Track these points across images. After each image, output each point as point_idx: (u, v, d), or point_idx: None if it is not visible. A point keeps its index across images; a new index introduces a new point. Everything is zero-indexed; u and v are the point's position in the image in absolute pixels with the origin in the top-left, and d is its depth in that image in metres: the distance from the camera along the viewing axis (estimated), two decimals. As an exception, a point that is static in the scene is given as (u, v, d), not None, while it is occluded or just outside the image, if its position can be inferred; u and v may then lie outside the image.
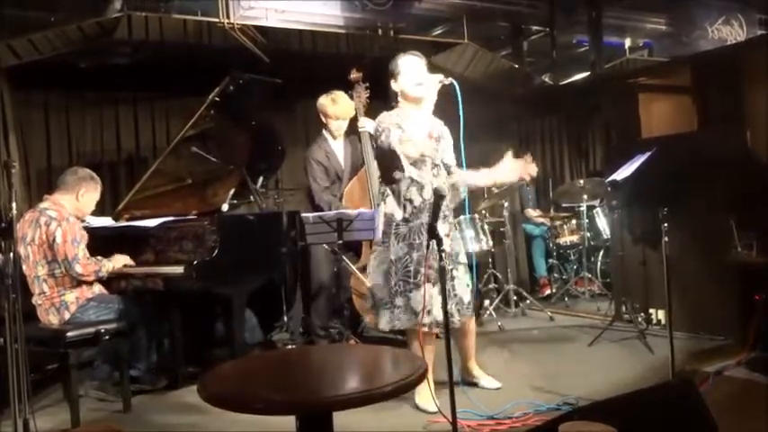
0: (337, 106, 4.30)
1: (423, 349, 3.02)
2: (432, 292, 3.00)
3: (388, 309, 3.15)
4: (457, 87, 2.99)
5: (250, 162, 4.12)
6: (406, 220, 3.11)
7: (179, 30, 4.51)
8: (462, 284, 3.18)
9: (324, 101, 4.35)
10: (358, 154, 4.43)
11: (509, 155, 3.20)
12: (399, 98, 3.19)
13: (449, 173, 3.21)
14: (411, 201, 3.11)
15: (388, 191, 3.18)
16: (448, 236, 3.13)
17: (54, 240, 3.41)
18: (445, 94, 3.09)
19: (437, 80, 3.05)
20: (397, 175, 3.10)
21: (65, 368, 3.23)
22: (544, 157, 7.40)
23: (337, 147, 4.41)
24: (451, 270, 3.11)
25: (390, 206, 3.15)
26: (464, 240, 4.59)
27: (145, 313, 3.69)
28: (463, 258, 3.24)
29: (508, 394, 3.34)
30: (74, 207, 3.58)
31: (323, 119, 4.39)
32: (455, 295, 3.13)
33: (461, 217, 4.78)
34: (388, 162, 3.12)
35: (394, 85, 3.18)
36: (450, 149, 3.23)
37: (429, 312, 3.02)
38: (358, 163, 4.42)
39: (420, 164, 3.10)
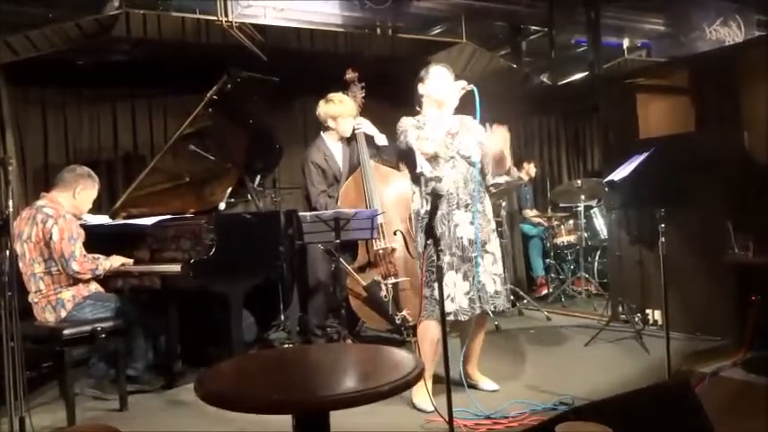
0: (344, 105, 4.27)
1: (421, 349, 3.04)
2: (455, 280, 3.14)
3: (422, 300, 3.24)
4: (476, 94, 3.11)
5: (247, 161, 4.11)
6: (428, 213, 3.17)
7: (177, 27, 4.50)
8: (487, 273, 3.23)
9: (331, 106, 4.26)
10: (357, 156, 4.41)
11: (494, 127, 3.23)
12: (423, 100, 3.33)
13: (470, 164, 3.25)
14: (430, 195, 3.17)
15: (415, 188, 3.30)
16: (471, 224, 3.20)
17: (50, 238, 3.41)
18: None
19: (459, 86, 3.18)
20: (419, 171, 3.22)
21: (61, 366, 3.23)
22: (542, 157, 7.41)
23: (336, 149, 4.38)
24: (476, 258, 3.19)
25: (417, 202, 3.29)
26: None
27: (142, 312, 3.69)
28: (491, 248, 3.27)
29: (505, 394, 3.34)
30: (71, 205, 3.58)
31: (332, 123, 4.30)
32: (479, 282, 3.19)
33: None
34: (410, 161, 3.25)
35: (421, 88, 3.32)
36: (472, 142, 3.27)
37: (453, 300, 3.12)
38: (356, 165, 4.41)
39: (434, 161, 3.20)
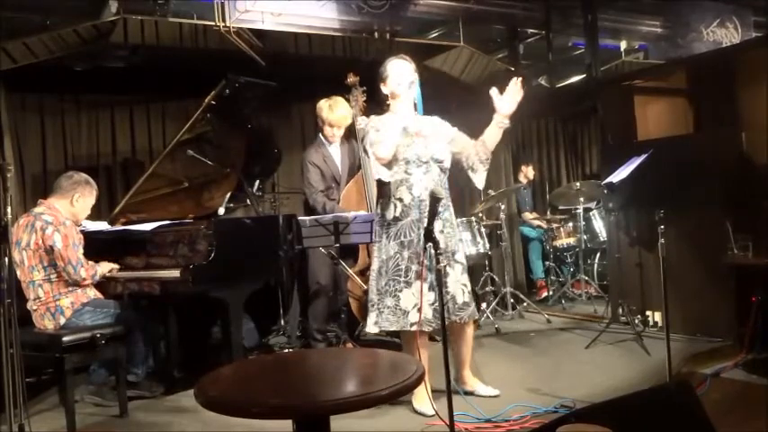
0: (333, 114, 4.27)
1: (419, 350, 3.03)
2: (423, 290, 3.03)
3: (375, 310, 3.17)
4: (417, 85, 3.14)
5: (246, 165, 4.11)
6: (396, 219, 3.14)
7: (175, 33, 4.50)
8: (457, 283, 3.16)
9: (322, 105, 4.32)
10: (355, 157, 4.42)
11: (514, 81, 3.08)
12: (389, 100, 3.25)
13: (442, 170, 3.18)
14: (401, 199, 3.14)
15: (381, 192, 3.22)
16: (442, 232, 3.13)
17: (53, 245, 3.40)
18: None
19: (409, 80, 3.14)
20: (375, 178, 3.16)
21: (60, 373, 3.22)
22: (540, 159, 7.42)
23: (334, 150, 4.40)
24: (444, 267, 3.08)
25: (382, 206, 3.20)
26: (462, 243, 4.52)
27: (141, 317, 3.68)
28: (460, 258, 3.21)
29: (506, 397, 3.34)
30: (68, 212, 3.56)
31: (319, 122, 4.37)
32: (447, 292, 3.11)
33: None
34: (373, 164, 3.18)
35: (383, 89, 3.24)
36: (441, 145, 3.19)
37: (419, 310, 3.04)
38: (355, 166, 4.42)
39: (394, 164, 3.11)
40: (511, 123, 3.16)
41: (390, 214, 3.15)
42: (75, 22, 4.19)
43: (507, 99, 3.08)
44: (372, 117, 3.21)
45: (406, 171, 3.13)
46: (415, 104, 3.21)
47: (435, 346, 3.16)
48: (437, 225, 3.08)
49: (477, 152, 3.21)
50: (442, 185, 3.16)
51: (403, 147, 3.11)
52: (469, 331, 3.37)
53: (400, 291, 3.08)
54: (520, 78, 3.09)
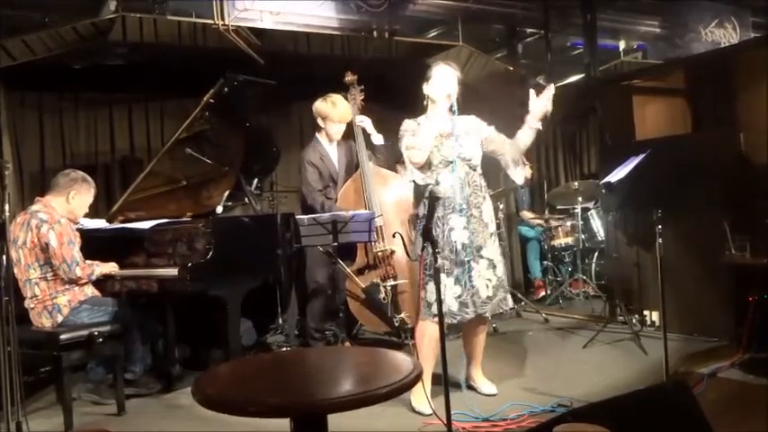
0: (338, 109, 4.26)
1: (419, 350, 3.06)
2: (446, 283, 3.14)
3: (422, 301, 3.28)
4: None
5: (245, 164, 4.11)
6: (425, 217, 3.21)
7: (174, 31, 4.50)
8: (481, 278, 3.21)
9: (323, 105, 4.29)
10: (353, 155, 4.41)
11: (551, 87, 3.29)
12: (426, 101, 3.32)
13: (471, 167, 3.25)
14: (428, 197, 3.18)
15: (416, 190, 3.32)
16: (466, 228, 3.20)
17: (48, 243, 3.39)
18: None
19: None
20: (410, 180, 3.25)
21: (58, 371, 3.22)
22: (539, 159, 7.42)
23: (332, 150, 4.38)
24: (469, 262, 3.18)
25: (417, 204, 3.32)
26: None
27: (139, 315, 3.68)
28: (488, 253, 3.24)
29: (503, 396, 3.34)
30: (65, 209, 3.55)
31: (321, 123, 4.32)
32: (472, 286, 3.18)
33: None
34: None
35: (425, 89, 3.31)
36: (471, 144, 3.27)
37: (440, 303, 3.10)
38: (353, 166, 4.41)
39: (434, 165, 3.21)
40: (542, 126, 3.29)
41: (421, 212, 3.25)
42: (73, 20, 4.19)
43: (541, 101, 3.26)
44: (407, 120, 3.29)
45: (432, 172, 3.22)
46: (451, 106, 3.27)
47: (449, 343, 3.16)
48: (461, 221, 3.19)
49: (511, 151, 3.33)
50: (471, 182, 3.23)
51: (432, 150, 3.20)
52: (481, 330, 3.41)
53: (426, 284, 3.20)
54: (553, 86, 3.29)
